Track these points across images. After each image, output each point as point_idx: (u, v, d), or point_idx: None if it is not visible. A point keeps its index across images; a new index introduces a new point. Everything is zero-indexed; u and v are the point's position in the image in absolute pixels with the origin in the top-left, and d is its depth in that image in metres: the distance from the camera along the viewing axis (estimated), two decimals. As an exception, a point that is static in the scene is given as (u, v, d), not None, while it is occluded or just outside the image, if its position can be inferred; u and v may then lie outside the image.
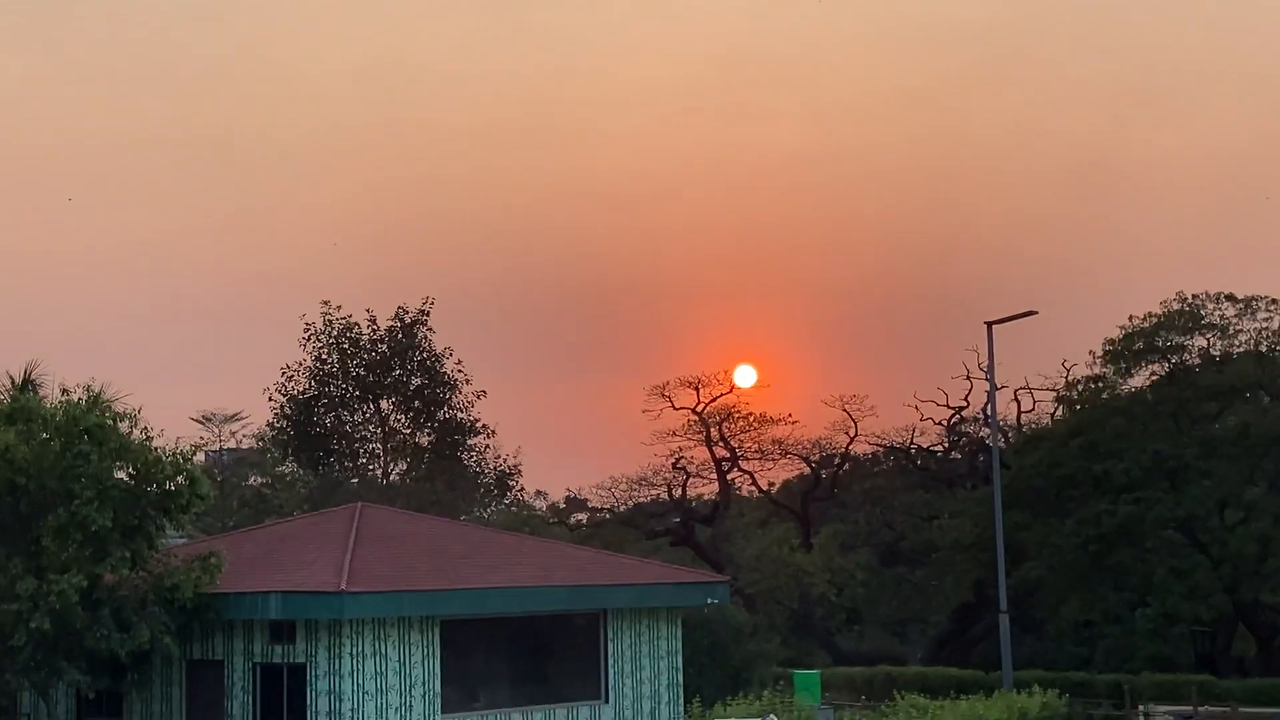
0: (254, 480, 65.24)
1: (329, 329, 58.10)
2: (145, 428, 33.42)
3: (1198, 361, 51.54)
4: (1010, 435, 62.32)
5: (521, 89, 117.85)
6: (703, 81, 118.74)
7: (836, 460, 72.52)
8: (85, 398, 33.03)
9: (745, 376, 71.37)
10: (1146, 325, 51.94)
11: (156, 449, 33.33)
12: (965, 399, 68.82)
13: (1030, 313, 41.01)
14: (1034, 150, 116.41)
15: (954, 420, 70.02)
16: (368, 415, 58.70)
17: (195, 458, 34.60)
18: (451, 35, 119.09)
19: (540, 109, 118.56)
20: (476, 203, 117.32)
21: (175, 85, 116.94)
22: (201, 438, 61.13)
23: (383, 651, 31.86)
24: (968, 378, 67.80)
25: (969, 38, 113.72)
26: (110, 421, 32.74)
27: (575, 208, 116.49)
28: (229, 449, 64.08)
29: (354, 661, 31.45)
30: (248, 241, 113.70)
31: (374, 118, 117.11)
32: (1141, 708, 43.39)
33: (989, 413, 68.01)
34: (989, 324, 41.94)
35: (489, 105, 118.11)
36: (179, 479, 33.20)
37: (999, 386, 46.59)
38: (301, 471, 58.63)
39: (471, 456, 59.73)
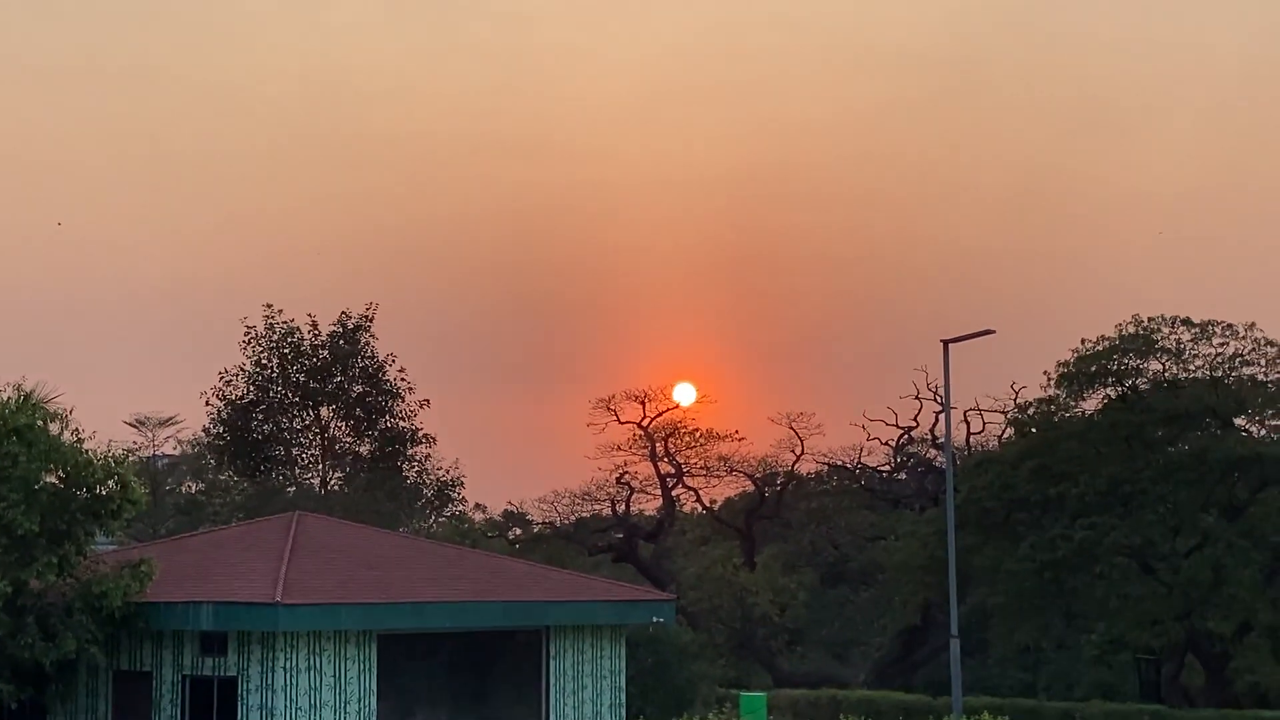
0: (188, 487, 64.49)
1: (270, 333, 57.37)
2: (76, 430, 32.89)
3: (1152, 385, 51.29)
4: (960, 457, 62.06)
5: (467, 104, 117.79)
6: (649, 99, 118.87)
7: (781, 478, 72.20)
8: (15, 397, 32.24)
9: (685, 394, 71.18)
10: (1100, 348, 51.65)
11: (88, 451, 32.67)
12: (914, 419, 68.86)
13: (988, 331, 40.78)
14: (985, 175, 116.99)
15: (902, 440, 69.99)
16: (307, 422, 58.00)
17: (128, 461, 33.84)
18: (397, 49, 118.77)
19: (485, 124, 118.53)
20: (421, 215, 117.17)
21: (116, 91, 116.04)
22: (135, 442, 60.36)
23: (317, 666, 31.23)
24: (917, 398, 67.87)
25: (918, 65, 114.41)
26: (40, 422, 32.00)
27: (520, 222, 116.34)
28: (164, 455, 63.26)
29: (288, 675, 30.82)
30: (189, 247, 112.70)
31: (318, 129, 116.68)
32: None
33: (939, 434, 68.26)
34: (945, 342, 41.58)
35: (434, 119, 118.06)
36: (110, 483, 32.58)
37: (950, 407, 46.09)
38: (237, 479, 57.87)
39: (412, 467, 59.09)
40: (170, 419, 60.29)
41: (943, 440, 67.28)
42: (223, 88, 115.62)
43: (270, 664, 30.73)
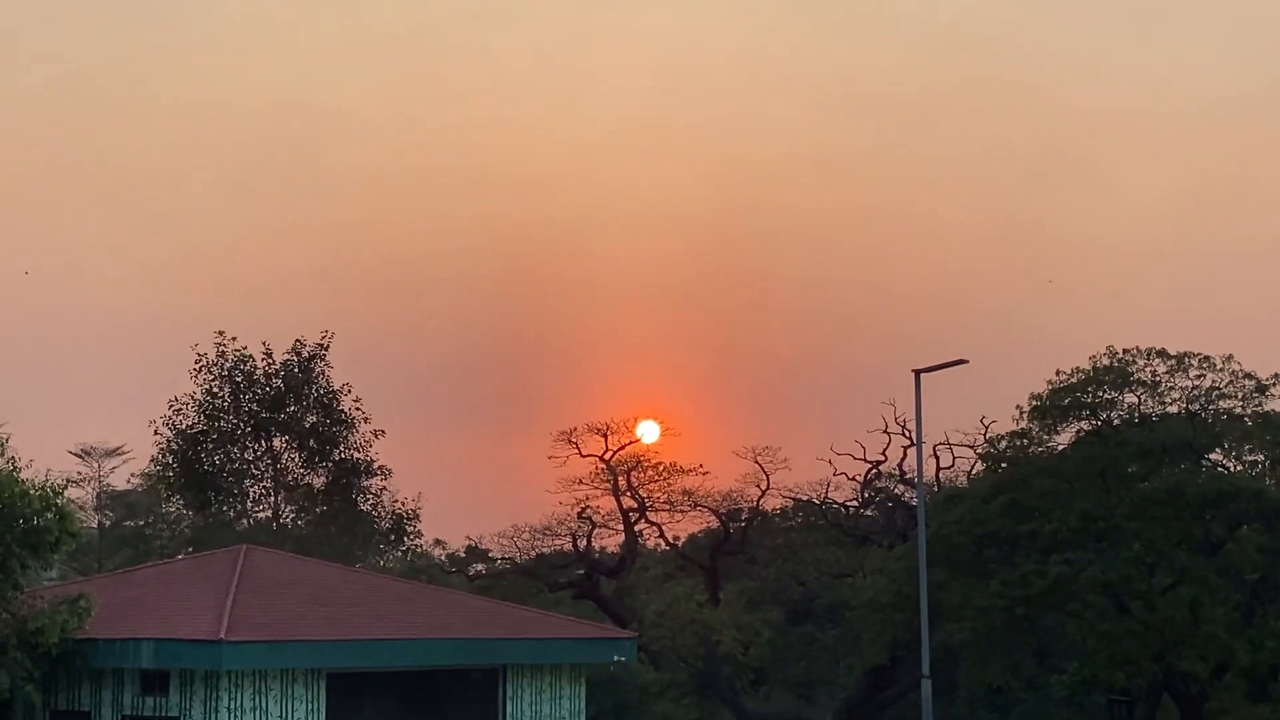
0: (136, 522, 63.52)
1: (222, 360, 56.57)
2: (13, 458, 32.06)
3: (1126, 419, 50.79)
4: (929, 492, 61.47)
5: (431, 138, 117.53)
6: (617, 135, 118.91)
7: (746, 514, 71.48)
8: (-57, 424, 31.31)
9: (649, 432, 70.41)
10: (1074, 380, 51.13)
11: (25, 481, 31.80)
12: (883, 453, 68.01)
13: (961, 361, 40.20)
14: (956, 210, 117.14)
15: (870, 475, 69.25)
16: (259, 453, 57.17)
17: (67, 492, 32.96)
18: (362, 81, 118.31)
19: (449, 158, 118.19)
20: (381, 248, 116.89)
21: (69, 119, 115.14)
22: (79, 472, 59.42)
23: (263, 706, 30.44)
24: (885, 431, 66.99)
25: (887, 104, 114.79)
26: (-25, 450, 31.07)
27: (483, 255, 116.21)
28: (109, 487, 62.29)
29: (232, 716, 30.02)
30: (145, 276, 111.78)
31: (279, 160, 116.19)
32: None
33: (908, 468, 67.66)
34: (917, 372, 40.93)
35: (397, 152, 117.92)
36: (48, 515, 31.70)
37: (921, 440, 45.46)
38: (186, 511, 57.03)
39: (367, 500, 58.32)
40: (117, 449, 59.40)
41: (911, 475, 67.14)
42: (181, 118, 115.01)
43: (214, 704, 30.07)
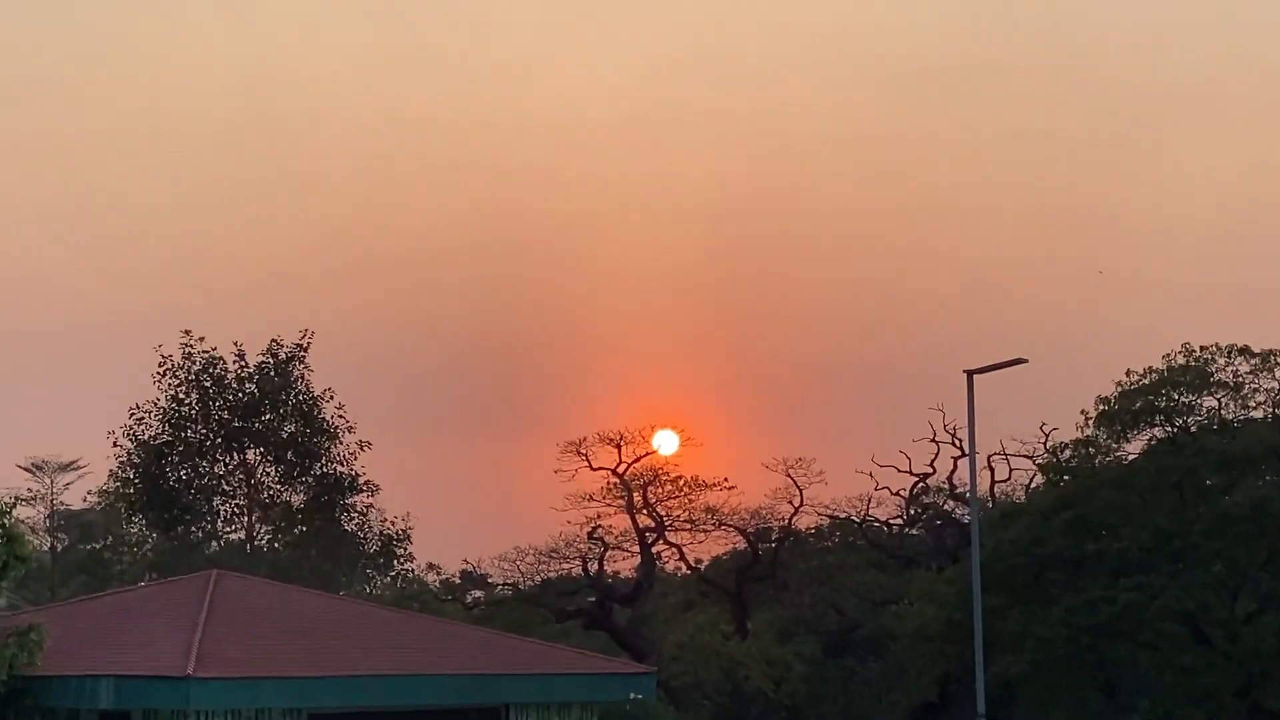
0: (94, 544, 63.78)
1: (188, 363, 56.75)
2: (-44, 474, 32.30)
3: (1205, 425, 50.89)
4: (983, 508, 61.61)
5: (422, 120, 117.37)
6: (622, 115, 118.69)
7: (777, 533, 71.69)
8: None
9: (667, 442, 70.60)
10: (1146, 382, 51.27)
11: (-33, 499, 32.03)
12: (930, 464, 68.34)
13: (1018, 360, 40.36)
14: (1006, 194, 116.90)
15: (916, 489, 69.51)
16: (231, 467, 57.43)
17: (16, 511, 33.26)
18: (344, 58, 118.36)
19: (443, 143, 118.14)
20: (367, 243, 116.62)
21: (14, 98, 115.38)
22: (30, 489, 59.74)
23: (236, 750, 30.57)
24: (933, 440, 67.28)
25: (927, 75, 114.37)
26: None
27: (481, 250, 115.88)
28: (63, 506, 62.59)
29: (201, 762, 30.13)
30: (95, 271, 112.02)
31: (252, 146, 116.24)
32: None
33: (958, 481, 67.85)
34: (969, 373, 41.08)
35: (384, 136, 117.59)
36: (-7, 536, 31.89)
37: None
38: (149, 532, 57.30)
39: (351, 518, 58.50)
40: (71, 463, 59.71)
41: (961, 490, 67.35)
42: (140, 96, 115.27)
43: (181, 748, 30.04)
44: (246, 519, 57.97)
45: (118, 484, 57.65)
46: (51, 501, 60.66)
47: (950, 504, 68.90)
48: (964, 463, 63.93)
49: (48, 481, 61.07)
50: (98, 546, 63.07)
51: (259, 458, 57.82)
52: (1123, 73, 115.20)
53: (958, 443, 65.37)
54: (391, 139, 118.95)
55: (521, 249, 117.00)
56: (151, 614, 35.38)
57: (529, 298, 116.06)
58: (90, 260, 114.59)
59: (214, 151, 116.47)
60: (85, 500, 64.23)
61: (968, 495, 56.14)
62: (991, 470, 67.13)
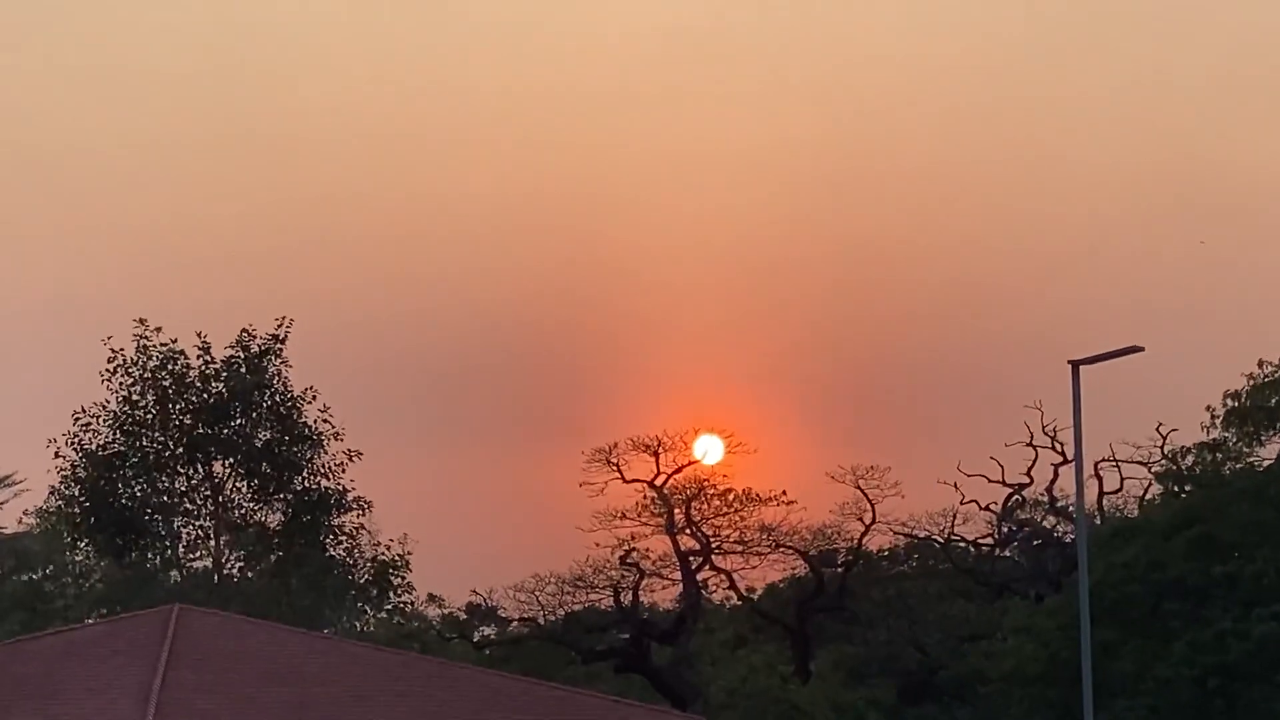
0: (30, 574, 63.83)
1: (143, 358, 56.72)
2: None
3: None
4: (1092, 524, 61.42)
5: (412, 64, 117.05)
6: (662, 53, 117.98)
7: (845, 556, 71.75)
8: None
9: (712, 449, 70.55)
10: (1286, 373, 51.30)
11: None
12: (1027, 473, 68.22)
13: (1133, 349, 39.86)
14: (1121, 150, 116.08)
15: (1010, 503, 69.34)
16: (195, 481, 57.41)
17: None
18: (317, 17, 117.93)
19: (440, 95, 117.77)
20: (351, 215, 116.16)
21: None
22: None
23: (204, 821, 30.47)
24: (1029, 444, 67.25)
25: (1033, 13, 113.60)
26: None
27: (492, 221, 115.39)
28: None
29: (162, 835, 30.05)
30: (34, 250, 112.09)
31: (225, 109, 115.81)
32: None
33: (1058, 491, 67.80)
34: (1074, 364, 40.56)
35: (368, 90, 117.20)
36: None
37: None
38: (97, 559, 57.22)
39: (339, 542, 58.48)
40: (4, 479, 59.76)
41: (1064, 503, 67.13)
42: (89, 47, 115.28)
43: (137, 818, 30.05)
44: (214, 543, 57.82)
45: (59, 502, 57.45)
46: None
47: (1051, 520, 68.85)
48: (1067, 471, 63.91)
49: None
50: (36, 577, 63.19)
51: (228, 470, 57.61)
52: (1252, 13, 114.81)
53: (1059, 447, 65.26)
54: (388, 97, 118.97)
55: (538, 223, 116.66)
56: (102, 658, 35.29)
57: (548, 279, 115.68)
58: (22, 235, 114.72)
59: (175, 104, 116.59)
60: (20, 522, 64.28)
61: (1072, 510, 55.90)
62: (1100, 480, 67.16)
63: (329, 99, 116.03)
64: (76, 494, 56.77)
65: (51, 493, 57.97)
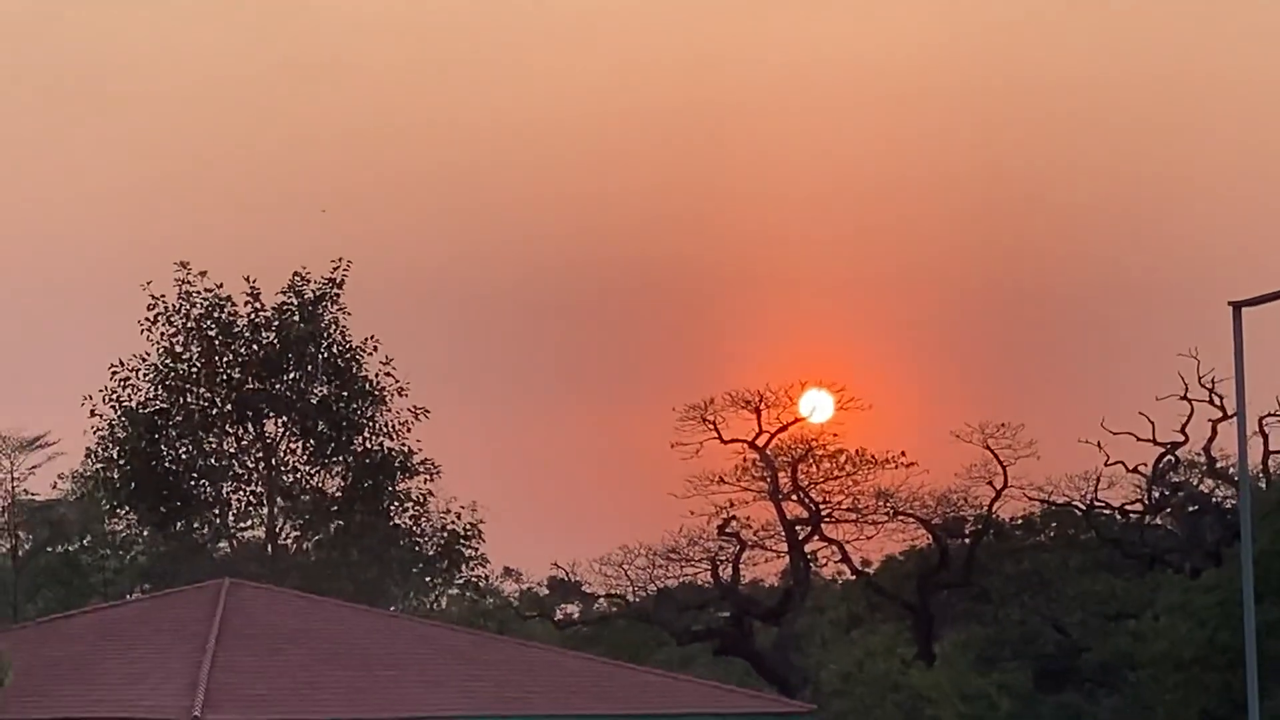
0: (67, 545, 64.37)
1: (186, 306, 57.11)
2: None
3: None
4: (1256, 488, 61.18)
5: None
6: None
7: (973, 526, 71.66)
8: None
9: (821, 405, 70.35)
10: None
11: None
12: (1181, 431, 67.78)
13: (1304, 288, 39.74)
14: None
15: (1162, 464, 69.01)
16: (245, 442, 57.85)
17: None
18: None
19: (518, 21, 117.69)
20: (419, 143, 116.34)
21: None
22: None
23: (259, 817, 30.94)
24: (1184, 397, 66.79)
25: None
26: None
27: (572, 148, 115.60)
28: (26, 495, 63.12)
29: (213, 832, 30.55)
30: (71, 195, 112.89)
31: (275, 39, 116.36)
32: None
33: (1216, 451, 67.64)
34: (1235, 305, 40.43)
35: (437, 10, 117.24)
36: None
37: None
38: (140, 529, 57.69)
39: (404, 510, 58.80)
40: (36, 440, 60.17)
41: (1225, 464, 66.87)
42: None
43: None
44: (266, 510, 58.38)
45: (98, 466, 58.12)
46: (11, 490, 61.24)
47: (1209, 483, 68.49)
48: (1227, 427, 63.76)
49: (5, 464, 61.62)
50: (73, 549, 63.64)
51: (281, 430, 58.26)
52: None
53: (1218, 400, 64.97)
54: (454, 11, 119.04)
55: (632, 147, 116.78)
56: (145, 638, 36.00)
57: (635, 216, 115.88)
58: (56, 175, 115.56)
59: (220, 34, 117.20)
60: (55, 488, 64.73)
61: (1233, 472, 55.70)
62: (1265, 437, 66.68)
63: (392, 15, 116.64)
64: (115, 456, 57.37)
65: (88, 455, 58.64)
